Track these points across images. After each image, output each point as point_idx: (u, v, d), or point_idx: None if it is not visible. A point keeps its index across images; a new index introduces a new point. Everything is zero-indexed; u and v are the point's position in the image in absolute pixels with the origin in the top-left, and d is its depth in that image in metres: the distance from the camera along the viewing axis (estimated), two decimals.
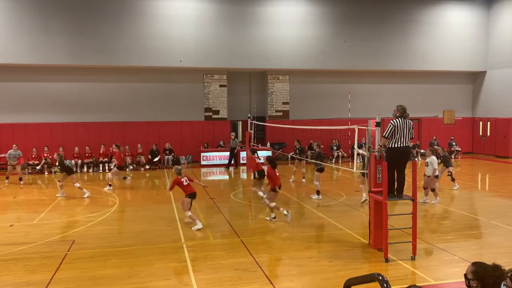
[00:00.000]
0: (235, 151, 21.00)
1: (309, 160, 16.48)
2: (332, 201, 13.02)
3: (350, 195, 13.74)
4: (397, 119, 7.84)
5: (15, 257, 8.07)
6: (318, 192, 13.29)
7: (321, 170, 13.42)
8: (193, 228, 9.84)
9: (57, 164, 15.33)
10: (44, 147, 19.96)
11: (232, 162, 20.98)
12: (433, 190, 12.38)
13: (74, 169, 19.89)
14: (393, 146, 7.83)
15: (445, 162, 13.95)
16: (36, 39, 19.62)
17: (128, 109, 22.04)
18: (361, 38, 23.24)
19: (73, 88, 21.42)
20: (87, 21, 20.14)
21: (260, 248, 8.51)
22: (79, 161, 20.23)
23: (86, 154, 20.50)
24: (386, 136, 7.86)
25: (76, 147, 20.23)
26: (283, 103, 24.12)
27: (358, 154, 12.68)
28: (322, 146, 15.48)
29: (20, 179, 16.90)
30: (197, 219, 10.09)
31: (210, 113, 23.30)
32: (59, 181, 13.99)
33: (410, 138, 7.97)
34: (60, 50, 19.85)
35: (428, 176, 12.25)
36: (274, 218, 10.59)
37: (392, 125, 7.79)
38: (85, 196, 13.64)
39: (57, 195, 13.95)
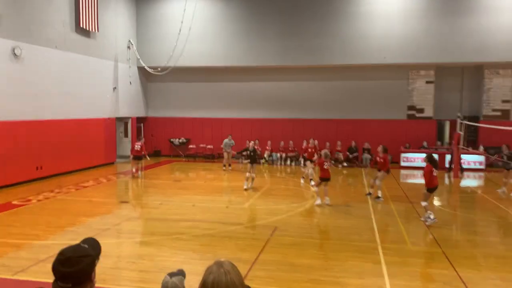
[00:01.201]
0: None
1: None
2: None
3: None
4: None
5: (229, 235, 9.29)
6: None
7: None
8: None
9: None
10: (255, 140, 22.28)
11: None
12: None
13: (279, 161, 21.66)
14: None
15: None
16: (252, 43, 22.00)
17: (331, 106, 22.64)
18: None
19: (283, 86, 23.24)
20: (295, 25, 21.50)
21: (465, 262, 7.70)
22: (284, 155, 21.87)
23: (290, 149, 22.02)
24: None
25: (282, 142, 21.95)
26: (503, 101, 21.05)
27: None
28: None
29: (229, 165, 19.34)
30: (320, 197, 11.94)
31: (414, 112, 22.05)
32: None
33: None
34: (273, 52, 21.77)
35: None
36: (433, 219, 9.89)
37: None
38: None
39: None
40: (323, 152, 12.82)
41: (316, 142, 18.15)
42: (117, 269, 7.23)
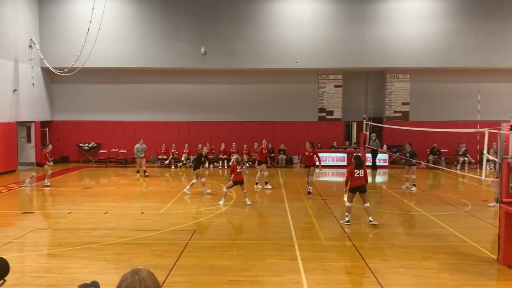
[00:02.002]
0: (377, 153, 20.52)
1: (428, 164, 15.41)
2: (455, 210, 12.04)
3: (477, 205, 12.55)
4: None
5: (144, 242, 8.98)
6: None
7: None
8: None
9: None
10: (172, 143, 21.89)
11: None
12: None
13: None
14: None
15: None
16: (168, 44, 21.60)
17: (247, 109, 23.02)
18: (494, 32, 21.05)
19: (197, 89, 23.10)
20: (211, 28, 21.57)
21: (373, 253, 8.24)
22: None
23: (207, 151, 21.87)
24: None
25: (200, 144, 21.75)
26: (403, 103, 22.96)
27: (488, 160, 11.52)
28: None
29: (145, 171, 18.41)
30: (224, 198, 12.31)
31: (324, 114, 23.18)
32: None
33: None
34: (188, 54, 21.56)
35: None
36: (347, 221, 10.34)
37: None
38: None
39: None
40: (234, 157, 13.25)
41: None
42: (21, 285, 6.64)
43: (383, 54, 21.42)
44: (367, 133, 19.79)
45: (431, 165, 20.29)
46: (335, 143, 22.46)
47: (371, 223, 10.17)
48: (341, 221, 10.54)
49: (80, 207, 12.34)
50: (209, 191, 14.38)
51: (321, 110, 23.18)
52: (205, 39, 21.41)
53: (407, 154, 15.38)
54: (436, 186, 17.08)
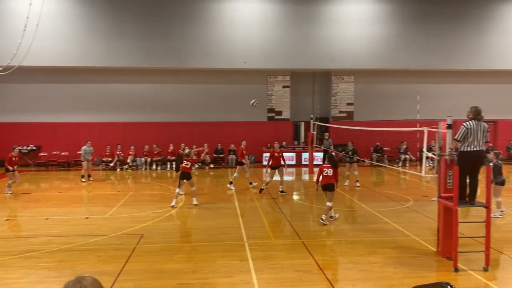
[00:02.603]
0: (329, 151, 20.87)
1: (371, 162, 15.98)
2: (398, 206, 12.58)
3: (418, 200, 13.18)
4: (470, 122, 7.46)
5: (89, 247, 8.62)
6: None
7: None
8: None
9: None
10: (117, 145, 21.19)
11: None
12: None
13: (144, 166, 20.96)
14: (465, 150, 7.45)
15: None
16: (112, 43, 20.90)
17: (195, 109, 22.79)
18: (432, 35, 22.23)
19: (144, 89, 22.56)
20: (158, 26, 21.13)
21: (321, 250, 8.42)
22: (148, 159, 21.21)
23: (155, 152, 21.44)
24: (458, 139, 7.50)
25: (146, 145, 21.24)
26: (348, 103, 23.68)
27: (427, 157, 12.14)
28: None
29: (89, 175, 17.61)
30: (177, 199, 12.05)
31: (273, 114, 23.43)
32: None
33: (485, 142, 7.53)
34: (133, 53, 21.00)
35: None
36: (326, 219, 10.51)
37: (464, 128, 7.42)
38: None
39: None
40: (186, 151, 12.93)
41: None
42: None
43: (328, 55, 21.98)
44: (315, 132, 20.23)
45: (374, 163, 21.10)
46: (284, 143, 22.73)
47: (321, 221, 10.34)
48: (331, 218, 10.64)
49: (19, 213, 11.66)
50: (183, 193, 13.90)
51: (270, 110, 23.41)
52: (151, 38, 20.97)
53: (350, 152, 15.99)
54: (379, 183, 17.75)
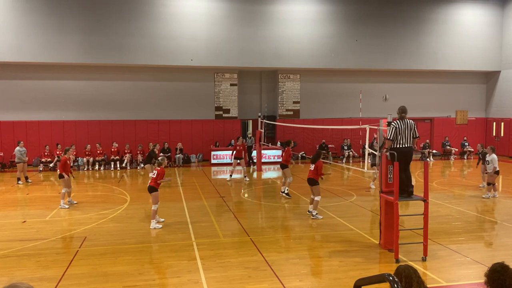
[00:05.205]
0: (252, 149, 21.02)
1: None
2: (342, 201, 12.97)
3: (361, 195, 13.67)
4: (397, 121, 7.98)
5: (28, 253, 8.18)
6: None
7: None
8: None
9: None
10: (57, 144, 20.18)
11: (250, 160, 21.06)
12: (493, 184, 13.10)
13: (86, 167, 20.14)
14: (395, 147, 7.94)
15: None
16: (50, 37, 19.87)
17: (140, 107, 22.22)
18: (373, 37, 23.12)
19: (85, 86, 21.66)
20: (100, 20, 20.35)
21: (269, 247, 8.51)
22: (91, 159, 20.41)
23: (98, 152, 20.66)
24: (390, 138, 7.97)
25: (88, 145, 20.41)
26: (294, 102, 24.08)
27: (369, 154, 12.64)
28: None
29: (26, 177, 16.66)
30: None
31: (221, 112, 23.36)
32: None
33: (414, 138, 8.02)
34: (73, 49, 20.09)
35: (487, 173, 13.20)
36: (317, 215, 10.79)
37: (393, 127, 7.97)
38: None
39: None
40: (160, 158, 12.15)
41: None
42: None
43: (275, 54, 22.23)
44: (262, 130, 20.40)
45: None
46: (232, 141, 22.72)
47: (309, 212, 10.85)
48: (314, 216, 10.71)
49: None
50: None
51: (218, 108, 23.32)
52: (92, 32, 20.17)
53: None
54: (324, 179, 18.16)
